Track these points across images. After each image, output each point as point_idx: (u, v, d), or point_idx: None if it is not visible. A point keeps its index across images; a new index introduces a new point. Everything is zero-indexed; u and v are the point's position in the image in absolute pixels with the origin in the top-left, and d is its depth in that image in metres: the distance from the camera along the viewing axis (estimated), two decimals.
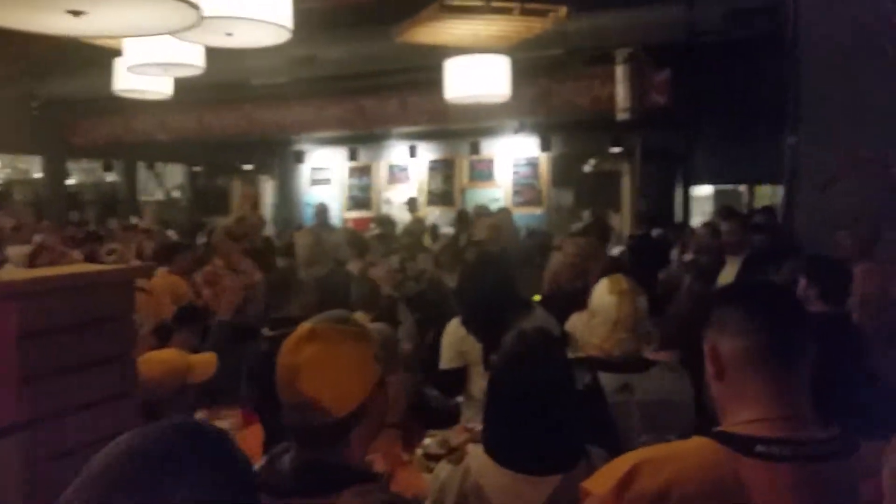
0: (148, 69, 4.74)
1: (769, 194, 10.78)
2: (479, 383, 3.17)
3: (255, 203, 9.19)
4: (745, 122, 8.65)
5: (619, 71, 6.86)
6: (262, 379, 2.79)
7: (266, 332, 2.96)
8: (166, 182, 14.18)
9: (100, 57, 5.01)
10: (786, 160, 7.03)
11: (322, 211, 8.52)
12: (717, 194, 12.12)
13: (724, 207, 9.25)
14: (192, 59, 4.60)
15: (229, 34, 3.28)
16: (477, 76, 5.45)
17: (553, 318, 3.33)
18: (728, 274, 4.87)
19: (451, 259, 6.14)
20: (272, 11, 3.13)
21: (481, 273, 3.37)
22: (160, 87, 5.56)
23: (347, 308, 3.20)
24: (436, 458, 2.45)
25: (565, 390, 1.60)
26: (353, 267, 4.68)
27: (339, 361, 1.26)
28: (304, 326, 1.32)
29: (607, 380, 2.25)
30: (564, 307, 3.56)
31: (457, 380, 3.20)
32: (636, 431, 2.23)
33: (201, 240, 7.18)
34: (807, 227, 5.90)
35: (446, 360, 3.20)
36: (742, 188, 11.28)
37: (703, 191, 11.55)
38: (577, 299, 3.71)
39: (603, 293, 2.36)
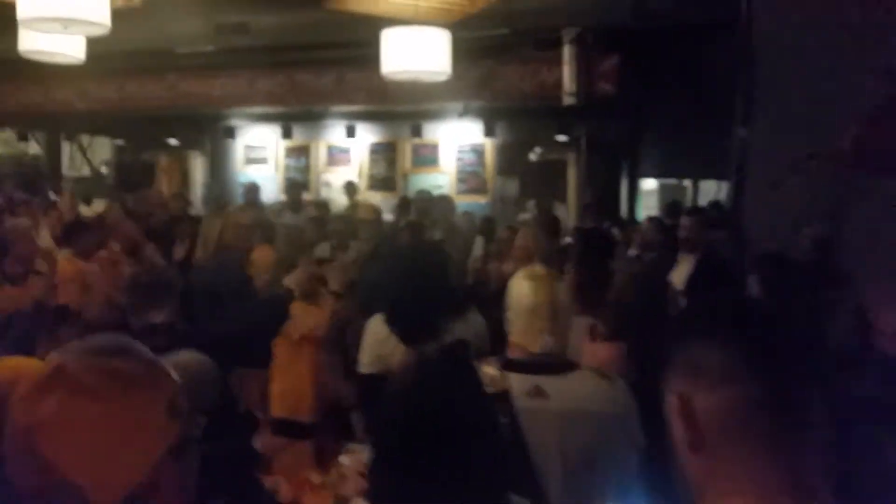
0: (46, 25, 4.29)
1: (714, 190, 10.67)
2: None
3: (175, 179, 8.59)
4: (693, 114, 8.43)
5: (566, 52, 6.53)
6: None
7: None
8: (94, 157, 13.37)
9: (11, 14, 4.44)
10: (734, 154, 6.82)
11: (251, 190, 7.99)
12: (662, 189, 12.00)
13: (673, 202, 9.08)
14: (94, 15, 4.12)
15: None
16: (416, 50, 5.06)
17: (485, 321, 2.95)
18: (681, 272, 4.58)
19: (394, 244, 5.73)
20: None
21: (411, 262, 2.97)
22: (70, 50, 5.12)
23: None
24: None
25: (480, 435, 1.19)
26: (260, 256, 4.21)
27: (99, 422, 0.82)
28: (51, 361, 0.86)
29: (516, 382, 1.87)
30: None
31: (376, 388, 2.78)
32: (553, 450, 1.84)
33: None
34: (756, 224, 5.67)
35: (365, 364, 2.79)
36: (686, 183, 11.12)
37: (648, 185, 11.39)
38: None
39: (517, 281, 2.05)
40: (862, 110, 5.15)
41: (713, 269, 4.66)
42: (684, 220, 5.18)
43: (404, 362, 1.48)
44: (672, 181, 11.58)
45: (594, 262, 3.27)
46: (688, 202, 10.42)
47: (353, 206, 9.04)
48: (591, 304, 2.93)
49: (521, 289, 2.00)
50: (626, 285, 2.83)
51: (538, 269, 2.13)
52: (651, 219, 6.08)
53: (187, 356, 1.96)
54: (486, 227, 7.08)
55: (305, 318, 3.41)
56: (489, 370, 1.87)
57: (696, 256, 4.80)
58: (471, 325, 2.88)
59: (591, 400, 1.91)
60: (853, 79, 5.05)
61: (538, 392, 1.86)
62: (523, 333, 1.96)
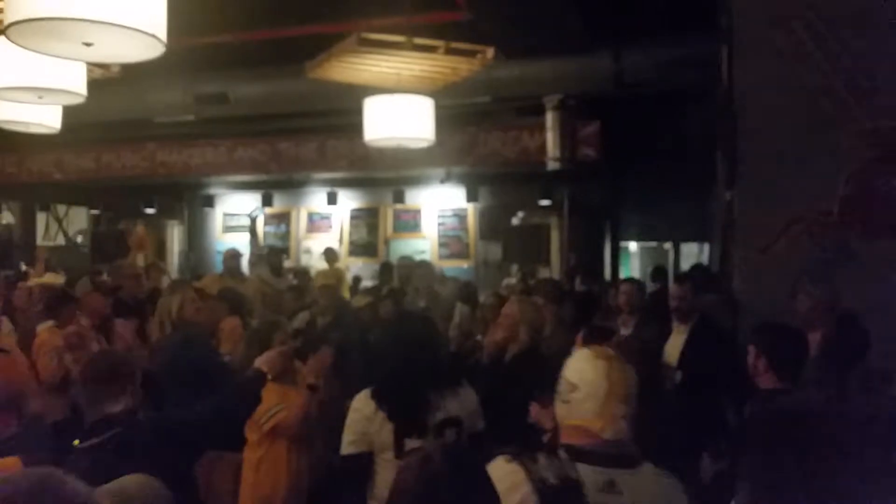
0: (21, 94, 4.21)
1: (695, 252, 10.67)
2: (386, 476, 2.56)
3: (149, 249, 8.40)
4: (673, 177, 8.48)
5: (549, 118, 6.54)
6: None
7: (77, 443, 2.14)
8: (70, 227, 13.15)
9: None
10: (718, 218, 6.79)
11: (232, 257, 7.79)
12: (643, 251, 12.01)
13: (657, 267, 9.05)
14: (71, 84, 4.03)
15: (88, 44, 2.65)
16: (399, 117, 5.02)
17: (476, 396, 2.77)
18: (676, 343, 4.45)
19: (375, 316, 5.56)
20: (142, 17, 2.53)
21: (399, 333, 2.80)
22: (46, 120, 5.00)
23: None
24: None
25: None
26: (228, 328, 4.01)
27: None
28: None
29: (588, 475, 1.72)
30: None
31: (359, 470, 2.58)
32: None
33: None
34: (747, 289, 5.58)
35: (347, 444, 2.59)
36: (667, 245, 11.13)
37: (629, 248, 11.40)
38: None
39: (586, 359, 1.85)
40: (847, 171, 5.15)
41: (710, 338, 4.55)
42: (675, 289, 5.06)
43: (407, 466, 1.30)
44: (653, 244, 11.61)
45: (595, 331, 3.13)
46: (669, 265, 10.40)
47: (333, 271, 8.91)
48: None
49: (595, 368, 1.82)
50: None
51: (604, 349, 1.96)
52: (629, 280, 5.94)
53: (133, 481, 1.74)
54: (467, 292, 6.94)
55: (278, 402, 3.17)
56: (503, 465, 1.70)
57: (690, 326, 4.69)
58: (463, 400, 2.72)
59: (660, 499, 1.79)
60: (838, 140, 5.06)
61: (612, 487, 1.71)
62: (597, 417, 1.78)
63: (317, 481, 3.19)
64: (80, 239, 13.15)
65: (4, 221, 13.04)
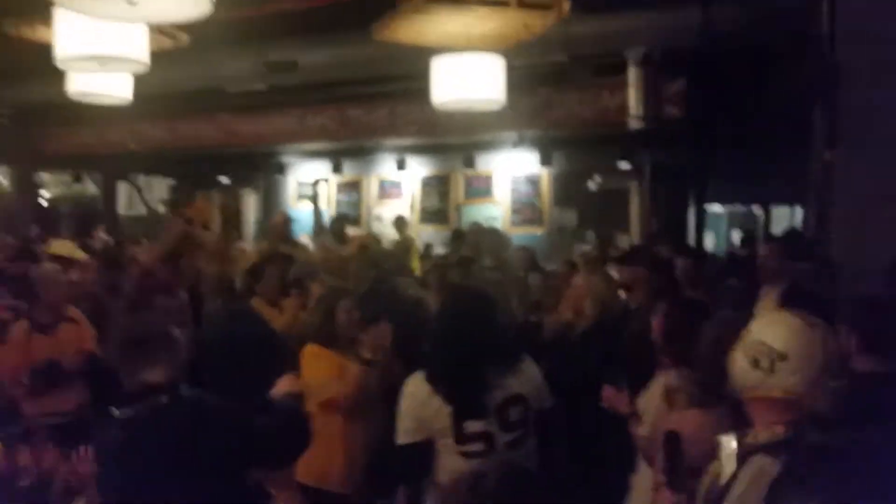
0: (83, 64, 4.18)
1: (787, 217, 10.04)
2: (447, 463, 2.39)
3: (205, 220, 8.37)
4: (763, 137, 7.92)
5: (632, 73, 6.11)
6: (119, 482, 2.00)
7: (115, 411, 2.05)
8: (151, 197, 13.51)
9: None
10: (815, 180, 6.28)
11: (281, 223, 7.17)
12: (731, 216, 11.38)
13: (748, 233, 8.54)
14: (132, 52, 4.00)
15: (132, 3, 2.52)
16: (468, 78, 4.76)
17: (539, 372, 2.55)
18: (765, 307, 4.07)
19: (442, 281, 5.38)
20: None
21: (455, 311, 2.61)
22: (117, 91, 4.99)
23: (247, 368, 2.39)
24: None
25: None
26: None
27: None
28: None
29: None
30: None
31: (419, 459, 2.41)
32: None
33: None
34: (844, 257, 5.12)
35: (404, 432, 2.42)
36: (757, 209, 10.51)
37: (716, 212, 10.80)
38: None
39: (797, 328, 1.73)
40: None
41: (802, 302, 4.13)
42: (764, 249, 4.64)
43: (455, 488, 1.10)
44: (741, 208, 10.98)
45: (685, 306, 2.83)
46: (759, 230, 9.82)
47: (401, 241, 8.79)
48: (678, 358, 2.50)
49: (810, 338, 1.70)
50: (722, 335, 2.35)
51: (808, 316, 1.79)
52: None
53: None
54: (534, 260, 6.63)
55: (334, 374, 3.01)
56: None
57: (780, 290, 4.26)
58: (526, 376, 2.52)
59: None
60: None
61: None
62: (809, 390, 1.68)
63: (377, 459, 3.04)
64: (161, 209, 13.52)
65: (89, 192, 13.54)
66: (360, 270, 5.06)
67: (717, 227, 10.95)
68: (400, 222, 9.30)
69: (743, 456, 1.68)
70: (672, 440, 1.82)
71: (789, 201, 9.41)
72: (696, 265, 4.82)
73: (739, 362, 1.74)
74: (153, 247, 5.28)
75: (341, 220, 8.11)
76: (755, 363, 1.70)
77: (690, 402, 2.28)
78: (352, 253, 5.59)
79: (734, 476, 1.66)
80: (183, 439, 2.02)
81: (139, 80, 4.79)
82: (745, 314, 3.25)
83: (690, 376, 2.35)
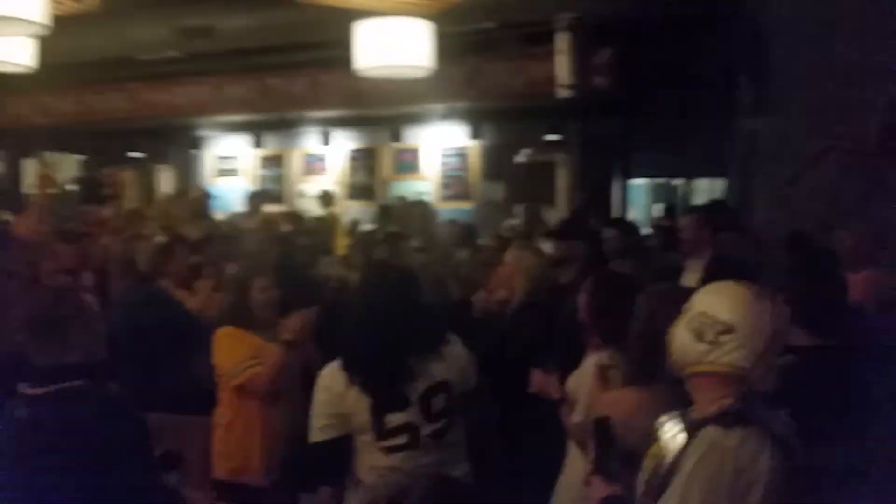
0: None
1: (708, 189, 10.20)
2: (368, 460, 2.21)
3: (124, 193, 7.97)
4: (688, 110, 7.96)
5: (561, 40, 5.98)
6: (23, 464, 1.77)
7: (26, 388, 1.84)
8: (61, 175, 12.74)
9: None
10: (740, 149, 6.34)
11: (256, 198, 7.42)
12: (653, 188, 11.50)
13: (670, 206, 8.62)
14: (29, 13, 3.66)
15: None
16: (393, 43, 4.52)
17: (471, 355, 2.38)
18: (689, 280, 4.03)
19: (366, 259, 5.16)
20: None
21: (374, 291, 2.37)
22: (17, 57, 4.71)
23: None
24: None
25: None
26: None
27: None
28: None
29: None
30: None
31: (336, 457, 2.22)
32: None
33: None
34: (768, 225, 5.16)
35: (319, 429, 2.22)
36: (678, 181, 10.64)
37: (637, 185, 10.86)
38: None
39: (745, 299, 1.60)
40: (886, 95, 4.67)
41: (727, 274, 4.09)
42: (684, 221, 4.57)
43: None
44: (662, 180, 11.10)
45: (613, 280, 2.69)
46: (680, 202, 9.95)
47: (323, 217, 8.51)
48: (609, 336, 2.34)
49: (759, 310, 1.58)
50: (657, 308, 2.22)
51: (756, 287, 1.66)
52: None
53: None
54: (467, 235, 6.47)
55: (251, 356, 2.79)
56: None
57: (704, 262, 4.22)
58: (450, 359, 2.31)
59: None
60: (878, 61, 4.57)
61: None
62: (753, 366, 1.57)
63: (298, 450, 2.83)
64: (70, 187, 12.78)
65: None
66: (265, 247, 4.79)
67: (640, 200, 11.05)
68: (325, 198, 9.00)
69: (691, 430, 1.57)
70: (603, 425, 1.68)
71: (712, 174, 9.54)
72: (626, 238, 4.77)
73: (681, 336, 1.63)
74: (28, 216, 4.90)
75: (258, 195, 7.76)
76: (699, 336, 1.59)
77: (624, 381, 2.14)
78: (257, 228, 5.30)
79: (681, 453, 1.55)
80: (95, 428, 1.83)
81: (43, 48, 4.58)
82: (675, 287, 3.18)
83: (623, 354, 2.19)
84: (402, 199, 8.61)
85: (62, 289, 2.88)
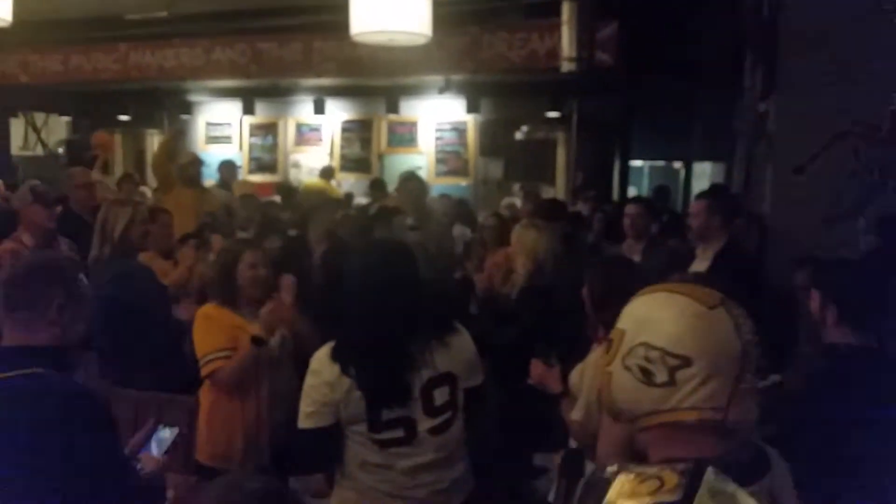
0: None
1: (708, 173, 10.03)
2: (361, 453, 2.03)
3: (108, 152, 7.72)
4: (690, 91, 7.77)
5: (566, 10, 5.75)
6: None
7: None
8: (49, 137, 12.42)
9: None
10: (745, 133, 6.16)
11: (228, 168, 7.24)
12: (652, 171, 11.32)
13: (660, 187, 8.43)
14: None
15: None
16: (391, 7, 4.29)
17: (471, 342, 2.19)
18: (699, 268, 3.87)
19: (357, 236, 4.96)
20: None
21: (369, 271, 2.12)
22: None
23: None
24: None
25: None
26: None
27: None
28: None
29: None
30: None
31: (322, 447, 2.04)
32: None
33: None
34: (775, 213, 4.99)
35: (306, 415, 2.02)
36: (678, 165, 10.47)
37: (637, 167, 10.70)
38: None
39: (695, 317, 1.14)
40: None
41: (739, 267, 3.94)
42: (694, 206, 4.39)
43: None
44: (661, 163, 10.92)
45: (615, 268, 2.52)
46: (679, 185, 9.79)
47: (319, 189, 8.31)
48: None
49: (717, 329, 1.13)
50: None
51: (711, 293, 1.20)
52: (638, 201, 5.29)
53: None
54: (464, 211, 6.27)
55: (225, 345, 2.62)
56: None
57: (715, 251, 4.05)
58: (455, 349, 2.11)
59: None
60: (893, 45, 4.37)
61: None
62: (723, 402, 1.12)
63: (283, 435, 2.67)
64: (60, 150, 12.47)
65: None
66: (242, 219, 4.60)
67: (639, 182, 10.89)
68: (328, 172, 8.83)
69: None
70: (572, 458, 1.45)
71: (713, 158, 9.37)
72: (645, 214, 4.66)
73: (621, 378, 1.17)
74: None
75: (229, 165, 7.53)
76: (647, 376, 1.13)
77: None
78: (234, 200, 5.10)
79: None
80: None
81: (26, 4, 4.44)
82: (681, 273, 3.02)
83: None
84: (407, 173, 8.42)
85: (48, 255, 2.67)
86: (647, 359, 1.13)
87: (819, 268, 2.47)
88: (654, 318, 1.16)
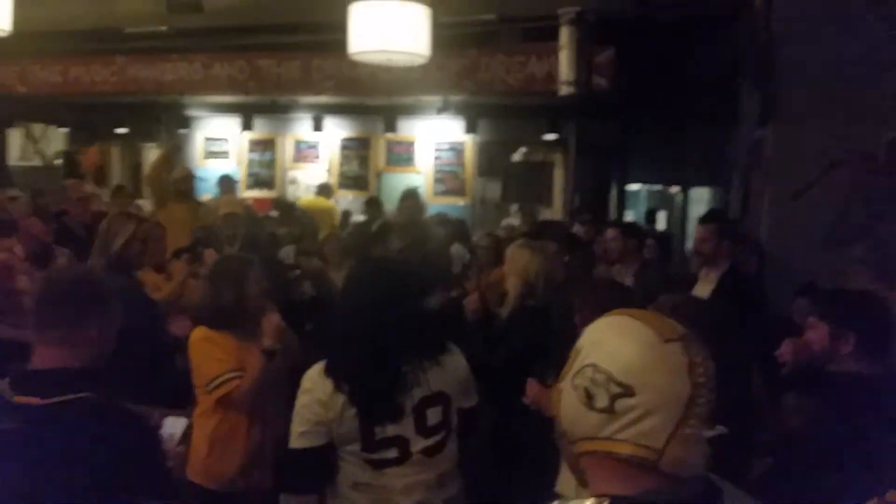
0: None
1: (705, 198, 10.06)
2: (354, 473, 1.99)
3: (96, 168, 7.74)
4: (687, 116, 7.80)
5: (564, 34, 5.78)
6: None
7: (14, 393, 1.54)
8: (48, 148, 12.42)
9: None
10: (742, 159, 6.17)
11: (227, 183, 7.29)
12: (649, 194, 11.36)
13: (650, 210, 8.47)
14: None
15: None
16: (389, 27, 4.31)
17: (465, 363, 2.15)
18: (702, 291, 3.83)
19: (341, 255, 4.94)
20: None
21: (363, 288, 2.10)
22: None
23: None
24: None
25: None
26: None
27: None
28: None
29: None
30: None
31: (314, 468, 1.99)
32: None
33: None
34: (772, 239, 4.99)
35: (299, 435, 1.97)
36: (674, 189, 10.50)
37: (634, 190, 10.73)
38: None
39: (645, 346, 1.08)
40: None
41: (744, 289, 3.89)
42: (699, 230, 4.36)
43: None
44: (659, 187, 10.96)
45: (607, 291, 2.50)
46: (677, 210, 9.82)
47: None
48: None
49: (665, 361, 1.06)
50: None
51: (666, 322, 1.13)
52: (617, 225, 5.23)
53: None
54: (461, 231, 6.24)
55: (234, 366, 2.57)
56: None
57: (718, 275, 4.01)
58: (449, 369, 2.08)
59: None
60: (888, 73, 4.39)
61: None
62: (665, 439, 1.04)
63: (277, 455, 2.62)
64: (58, 161, 12.46)
65: None
66: (226, 237, 4.56)
67: (636, 206, 10.92)
68: (325, 190, 8.82)
69: None
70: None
71: (709, 183, 9.39)
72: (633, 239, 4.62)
73: (567, 396, 1.11)
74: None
75: (227, 180, 7.56)
76: (589, 399, 1.07)
77: None
78: (217, 216, 5.06)
79: None
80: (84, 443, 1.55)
81: (26, 15, 4.46)
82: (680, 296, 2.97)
83: None
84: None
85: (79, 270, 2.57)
86: (593, 381, 1.07)
87: (828, 299, 2.43)
88: (606, 340, 1.10)
